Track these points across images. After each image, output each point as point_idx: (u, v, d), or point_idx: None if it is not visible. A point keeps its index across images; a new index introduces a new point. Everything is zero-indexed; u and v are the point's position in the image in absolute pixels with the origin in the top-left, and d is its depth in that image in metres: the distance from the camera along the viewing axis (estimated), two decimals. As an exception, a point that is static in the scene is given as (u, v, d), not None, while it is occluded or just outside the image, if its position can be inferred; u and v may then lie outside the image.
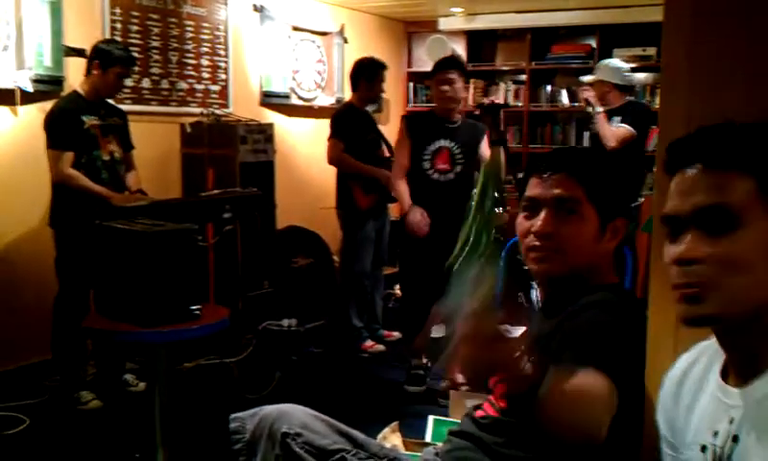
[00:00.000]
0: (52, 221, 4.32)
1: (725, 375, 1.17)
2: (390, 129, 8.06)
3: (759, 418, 1.07)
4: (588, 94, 5.26)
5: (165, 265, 3.04)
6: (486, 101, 4.72)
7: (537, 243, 1.64)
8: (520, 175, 6.69)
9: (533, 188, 1.67)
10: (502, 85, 8.22)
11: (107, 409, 4.29)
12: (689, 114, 1.35)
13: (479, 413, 1.73)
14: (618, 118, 5.07)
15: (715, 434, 1.14)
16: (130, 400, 4.42)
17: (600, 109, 5.14)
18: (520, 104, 8.03)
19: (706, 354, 1.24)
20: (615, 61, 5.39)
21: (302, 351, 5.39)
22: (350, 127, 5.42)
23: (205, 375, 4.76)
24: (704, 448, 1.16)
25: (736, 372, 1.14)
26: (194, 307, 3.17)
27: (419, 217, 4.50)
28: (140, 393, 4.47)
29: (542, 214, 1.63)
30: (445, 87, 4.55)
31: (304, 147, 6.96)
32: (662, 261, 1.16)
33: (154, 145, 5.37)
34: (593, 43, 7.62)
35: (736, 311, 1.07)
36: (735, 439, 1.10)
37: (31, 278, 4.67)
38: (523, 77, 8.05)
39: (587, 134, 5.31)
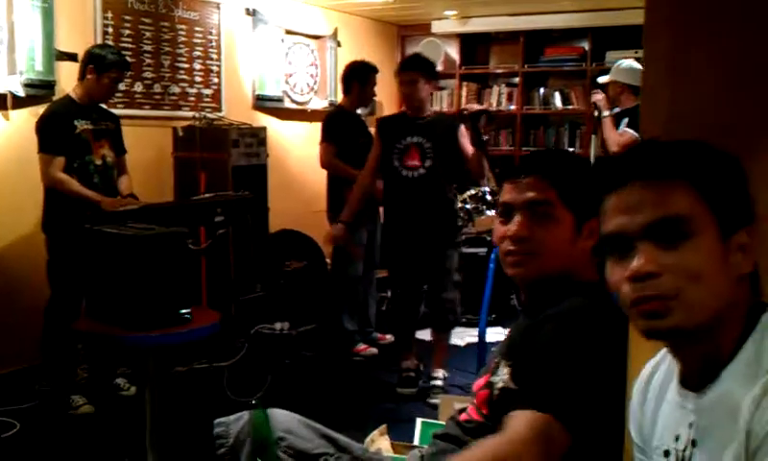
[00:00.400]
0: (44, 226, 4.31)
1: (684, 379, 1.18)
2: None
3: (712, 423, 1.08)
4: (598, 98, 5.23)
5: (154, 269, 3.04)
6: (467, 108, 4.68)
7: (512, 247, 1.64)
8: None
9: (506, 193, 1.68)
10: (495, 88, 8.23)
11: (98, 413, 4.28)
12: (670, 120, 1.35)
13: (463, 417, 1.74)
14: (626, 120, 5.07)
15: (677, 438, 1.16)
16: (121, 404, 4.42)
17: (606, 112, 5.13)
18: (513, 107, 8.04)
19: (667, 360, 1.25)
20: (631, 63, 5.37)
21: (295, 354, 5.39)
22: (341, 131, 5.43)
23: (197, 379, 4.75)
24: (667, 453, 1.18)
25: (693, 377, 1.15)
26: (184, 311, 3.16)
27: (336, 232, 4.79)
28: (132, 397, 4.47)
29: (516, 218, 1.64)
30: (406, 89, 4.60)
31: (298, 150, 6.96)
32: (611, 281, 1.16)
33: (146, 149, 5.37)
34: (586, 46, 7.64)
35: (698, 321, 1.08)
36: (695, 443, 1.12)
37: (22, 282, 4.66)
38: (516, 80, 8.06)
39: (593, 138, 5.25)
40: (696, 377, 1.13)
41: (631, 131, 5.02)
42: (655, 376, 1.28)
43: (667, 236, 1.08)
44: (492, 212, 6.28)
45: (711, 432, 1.09)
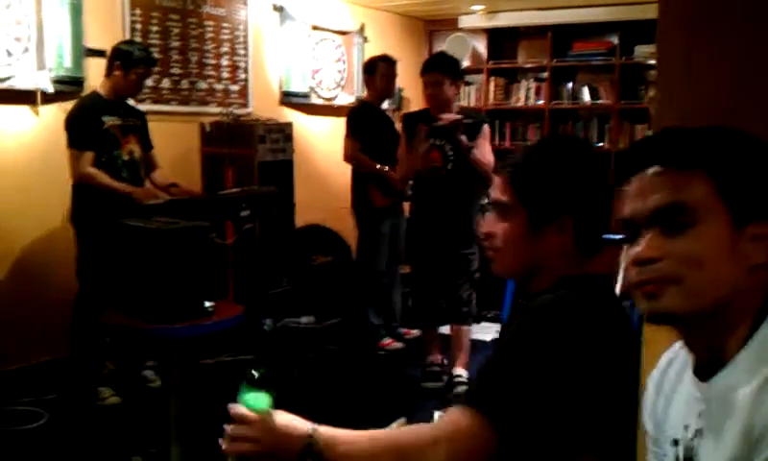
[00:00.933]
0: (73, 219, 4.38)
1: (697, 369, 1.17)
2: (410, 127, 8.08)
3: (718, 412, 1.08)
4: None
5: (178, 262, 3.07)
6: (441, 119, 4.48)
7: (485, 243, 1.70)
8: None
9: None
10: (523, 83, 8.18)
11: (125, 405, 4.34)
12: (683, 116, 1.34)
13: None
14: None
15: (686, 427, 1.15)
16: (148, 395, 4.47)
17: None
18: (542, 101, 7.99)
19: (683, 351, 1.24)
20: None
21: (320, 348, 5.41)
22: (366, 125, 5.44)
23: (224, 371, 4.79)
24: (676, 442, 1.18)
25: (703, 367, 1.14)
26: (208, 304, 3.19)
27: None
28: (158, 389, 4.51)
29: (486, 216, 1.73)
30: (430, 90, 4.57)
31: (324, 146, 6.98)
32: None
33: (174, 145, 5.41)
34: (615, 40, 7.56)
35: (693, 307, 1.08)
36: (701, 433, 1.12)
37: (51, 275, 4.74)
38: (545, 74, 8.01)
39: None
40: (707, 367, 1.13)
41: None
42: (671, 367, 1.27)
43: (673, 223, 1.08)
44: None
45: (716, 423, 1.08)
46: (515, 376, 1.39)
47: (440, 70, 4.56)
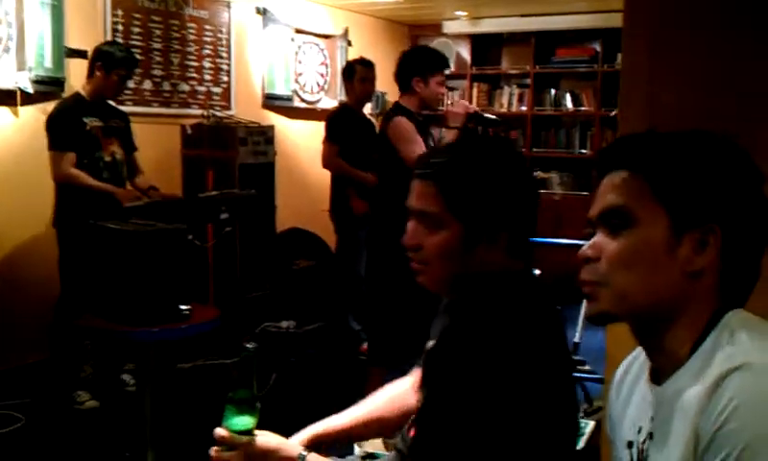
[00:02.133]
0: (55, 221, 4.35)
1: (652, 374, 1.19)
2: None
3: (667, 417, 1.09)
4: None
5: (154, 265, 3.06)
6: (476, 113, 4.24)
7: (411, 255, 1.56)
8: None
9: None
10: (506, 89, 8.22)
11: (103, 409, 4.31)
12: (648, 121, 1.35)
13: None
14: None
15: (639, 430, 1.17)
16: (126, 399, 4.44)
17: None
18: (524, 108, 8.02)
19: (641, 356, 1.25)
20: None
21: (301, 353, 5.40)
22: (345, 129, 5.42)
23: (201, 375, 4.77)
24: (630, 445, 1.20)
25: (658, 372, 1.16)
26: (184, 307, 3.18)
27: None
28: (135, 393, 4.49)
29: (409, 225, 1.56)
30: (443, 89, 4.48)
31: (307, 149, 6.97)
32: None
33: (155, 146, 5.39)
34: (598, 47, 7.61)
35: (625, 309, 1.12)
36: (651, 436, 1.13)
37: (31, 278, 4.70)
38: (528, 81, 8.04)
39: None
40: (661, 372, 1.15)
41: None
42: (629, 373, 1.29)
43: (612, 224, 1.12)
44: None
45: (664, 427, 1.10)
46: (457, 434, 1.31)
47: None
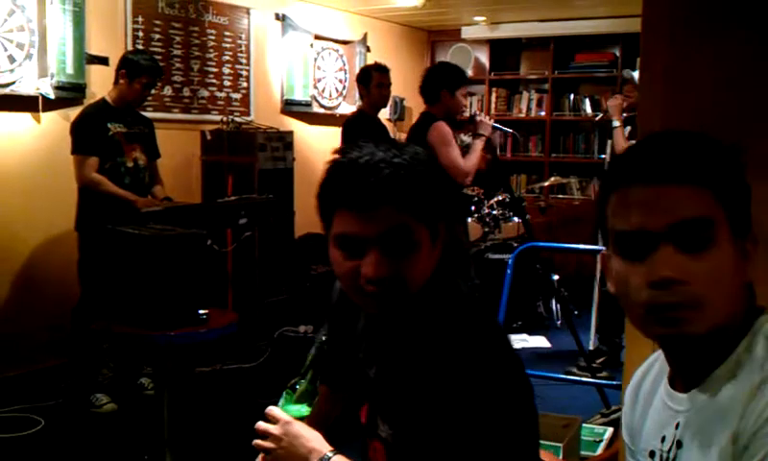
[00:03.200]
0: (77, 225, 4.39)
1: (673, 381, 1.17)
2: (412, 137, 8.09)
3: (701, 423, 1.08)
4: (612, 103, 5.13)
5: (173, 269, 3.08)
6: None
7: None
8: (545, 183, 6.67)
9: None
10: (525, 94, 8.20)
11: (121, 412, 4.34)
12: (665, 123, 1.35)
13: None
14: (628, 128, 5.05)
15: (663, 439, 1.15)
16: (144, 403, 4.47)
17: (617, 123, 5.06)
18: (543, 113, 8.01)
19: (657, 363, 1.25)
20: None
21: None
22: (360, 135, 5.43)
23: (220, 379, 4.80)
24: (652, 454, 1.18)
25: (683, 378, 1.14)
26: (202, 312, 3.20)
27: None
28: (154, 396, 4.51)
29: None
30: (466, 101, 4.64)
31: (325, 155, 6.87)
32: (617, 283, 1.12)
33: (175, 152, 5.43)
34: (617, 52, 7.59)
35: (712, 327, 1.04)
36: (680, 444, 1.11)
37: (51, 281, 4.75)
38: (546, 86, 8.03)
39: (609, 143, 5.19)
40: (686, 379, 1.13)
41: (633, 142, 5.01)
42: (646, 380, 1.27)
43: (695, 240, 1.03)
44: (518, 219, 6.28)
45: (698, 433, 1.08)
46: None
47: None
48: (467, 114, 4.82)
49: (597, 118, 5.21)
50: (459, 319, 1.36)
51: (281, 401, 1.55)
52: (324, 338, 1.60)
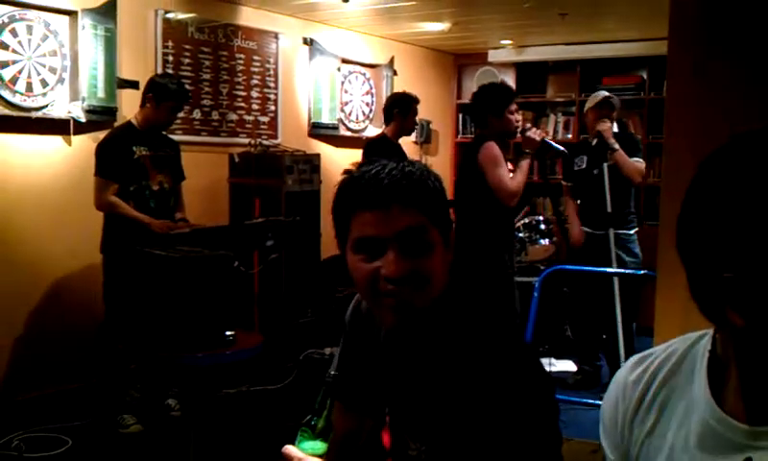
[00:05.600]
0: (102, 247, 4.43)
1: (719, 397, 0.98)
2: (438, 160, 8.11)
3: None
4: (604, 127, 5.09)
5: (200, 291, 3.10)
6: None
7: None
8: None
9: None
10: (552, 117, 8.19)
11: (147, 433, 4.36)
12: (695, 134, 1.34)
13: None
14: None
15: None
16: (170, 424, 4.48)
17: (617, 145, 5.02)
18: (570, 135, 7.98)
19: (664, 369, 1.08)
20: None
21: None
22: (382, 157, 5.46)
23: (246, 401, 4.80)
24: None
25: (747, 403, 0.95)
26: (228, 333, 3.21)
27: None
28: (180, 417, 4.53)
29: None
30: (518, 116, 4.60)
31: (352, 177, 7.01)
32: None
33: (203, 174, 5.48)
34: (644, 75, 7.55)
35: None
36: None
37: (79, 302, 4.80)
38: (573, 108, 8.01)
39: (598, 171, 5.08)
40: (753, 404, 0.94)
41: (640, 159, 5.09)
42: (652, 386, 1.09)
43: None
44: (545, 241, 6.26)
45: None
46: None
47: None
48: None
49: (594, 143, 5.16)
50: (489, 334, 1.39)
51: (297, 439, 1.54)
52: (334, 373, 1.60)
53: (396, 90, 7.12)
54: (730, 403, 0.96)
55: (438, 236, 1.39)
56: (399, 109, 5.63)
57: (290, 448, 1.48)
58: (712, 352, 1.02)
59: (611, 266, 4.90)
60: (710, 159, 0.94)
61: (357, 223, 1.38)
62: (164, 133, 4.66)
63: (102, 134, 4.57)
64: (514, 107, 4.51)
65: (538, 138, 4.46)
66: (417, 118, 5.81)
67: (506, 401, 1.29)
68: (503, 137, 4.49)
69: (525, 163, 4.38)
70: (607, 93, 5.34)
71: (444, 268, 1.41)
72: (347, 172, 1.46)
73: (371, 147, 5.62)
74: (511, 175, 4.33)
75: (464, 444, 1.31)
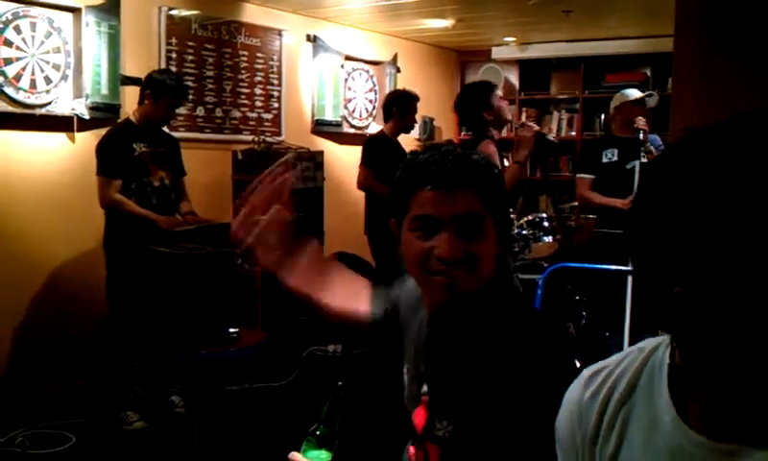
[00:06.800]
0: (105, 244, 4.43)
1: (685, 413, 0.88)
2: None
3: None
4: (641, 124, 5.05)
5: (203, 288, 3.10)
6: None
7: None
8: (575, 202, 6.63)
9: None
10: (556, 114, 8.18)
11: (151, 429, 4.36)
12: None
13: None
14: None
15: None
16: (174, 420, 4.49)
17: (652, 147, 4.98)
18: (574, 133, 7.97)
19: (620, 386, 0.97)
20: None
21: (347, 377, 5.40)
22: (380, 156, 5.48)
23: (250, 398, 4.81)
24: None
25: (717, 419, 0.85)
26: (232, 330, 3.21)
27: None
28: (184, 414, 4.53)
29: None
30: (502, 103, 4.59)
31: (355, 174, 7.00)
32: None
33: (206, 171, 5.48)
34: (648, 72, 7.54)
35: None
36: None
37: (82, 299, 4.80)
38: (577, 106, 8.00)
39: (633, 165, 5.03)
40: (720, 420, 0.84)
41: None
42: (612, 398, 0.98)
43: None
44: (549, 238, 6.24)
45: None
46: None
47: None
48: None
49: (639, 137, 5.06)
50: (529, 322, 1.43)
51: (302, 448, 1.56)
52: (341, 384, 1.61)
53: (399, 87, 7.11)
54: (698, 420, 0.87)
55: (492, 225, 1.43)
56: (399, 107, 5.64)
57: (295, 455, 1.50)
58: (672, 364, 0.91)
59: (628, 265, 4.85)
60: (660, 160, 0.87)
61: (417, 201, 1.44)
62: (165, 129, 4.65)
63: (105, 131, 4.56)
64: (499, 92, 4.53)
65: (529, 134, 4.38)
66: (417, 116, 5.80)
67: (535, 389, 1.30)
68: (501, 127, 4.57)
69: (513, 168, 4.34)
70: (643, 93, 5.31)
71: (491, 257, 1.46)
72: (413, 152, 1.52)
73: (370, 145, 5.63)
74: None
75: (491, 424, 1.33)
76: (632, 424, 0.94)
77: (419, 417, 1.54)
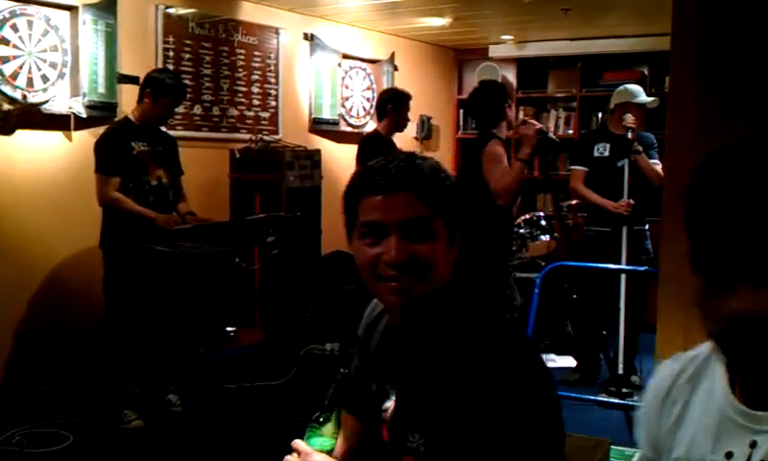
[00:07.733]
0: (102, 243, 4.43)
1: (733, 388, 1.09)
2: (439, 156, 8.10)
3: None
4: (630, 121, 5.03)
5: (201, 287, 3.10)
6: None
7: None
8: (573, 201, 6.63)
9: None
10: (553, 112, 8.18)
11: (148, 428, 4.36)
12: (696, 134, 1.34)
13: None
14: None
15: (728, 456, 1.07)
16: (171, 419, 4.48)
17: (640, 148, 4.98)
18: (571, 131, 7.98)
19: (691, 366, 1.18)
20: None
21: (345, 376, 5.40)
22: (376, 154, 5.46)
23: (247, 397, 4.81)
24: None
25: (754, 392, 1.05)
26: (229, 329, 3.22)
27: None
28: (181, 413, 4.53)
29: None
30: (512, 111, 4.63)
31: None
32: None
33: (204, 170, 5.48)
34: (645, 70, 7.55)
35: None
36: None
37: (80, 297, 4.80)
38: (574, 104, 8.00)
39: (623, 163, 5.02)
40: (759, 393, 1.04)
41: (658, 162, 5.01)
42: (676, 384, 1.19)
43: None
44: (546, 237, 6.25)
45: None
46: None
47: None
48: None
49: (627, 135, 5.03)
50: (491, 328, 1.41)
51: (306, 435, 1.57)
52: (344, 371, 1.62)
53: (397, 86, 7.11)
54: (740, 393, 1.08)
55: (442, 228, 1.42)
56: (392, 106, 5.64)
57: (299, 443, 1.51)
58: None
59: (620, 263, 4.86)
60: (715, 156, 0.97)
61: (364, 208, 1.44)
62: (163, 128, 4.66)
63: (102, 130, 4.56)
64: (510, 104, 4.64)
65: (531, 132, 4.35)
66: (413, 114, 5.81)
67: (505, 396, 1.30)
68: (511, 125, 4.62)
69: (517, 166, 4.30)
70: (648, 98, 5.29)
71: (446, 261, 1.44)
72: (362, 166, 1.52)
73: (364, 143, 5.64)
74: None
75: (462, 437, 1.32)
76: (696, 392, 1.16)
77: (384, 430, 1.54)
